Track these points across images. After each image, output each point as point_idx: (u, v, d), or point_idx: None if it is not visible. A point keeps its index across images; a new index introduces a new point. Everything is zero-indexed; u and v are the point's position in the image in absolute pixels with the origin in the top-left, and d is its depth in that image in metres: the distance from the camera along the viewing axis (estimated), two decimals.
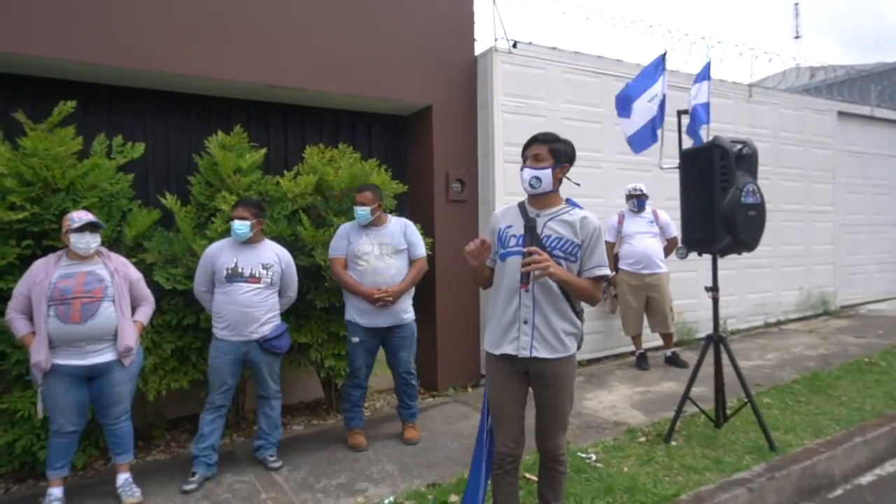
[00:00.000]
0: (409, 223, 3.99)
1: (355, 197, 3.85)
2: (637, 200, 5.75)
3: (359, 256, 3.78)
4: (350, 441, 3.91)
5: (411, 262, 3.92)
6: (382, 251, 3.79)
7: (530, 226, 2.38)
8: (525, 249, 2.31)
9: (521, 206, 2.54)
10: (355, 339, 3.82)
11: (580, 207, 2.51)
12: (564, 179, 2.54)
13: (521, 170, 2.50)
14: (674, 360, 5.86)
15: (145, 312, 3.33)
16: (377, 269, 3.75)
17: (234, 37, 4.36)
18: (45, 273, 3.02)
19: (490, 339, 2.52)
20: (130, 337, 3.14)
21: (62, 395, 3.02)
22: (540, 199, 2.48)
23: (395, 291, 3.73)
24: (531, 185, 2.45)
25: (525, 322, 2.40)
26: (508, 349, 2.43)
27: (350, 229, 3.87)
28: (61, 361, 2.99)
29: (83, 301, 3.00)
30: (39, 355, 2.94)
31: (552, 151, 2.45)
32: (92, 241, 3.08)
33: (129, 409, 3.25)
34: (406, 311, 3.89)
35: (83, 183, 3.56)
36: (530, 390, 2.53)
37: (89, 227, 3.06)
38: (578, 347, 2.50)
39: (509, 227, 2.49)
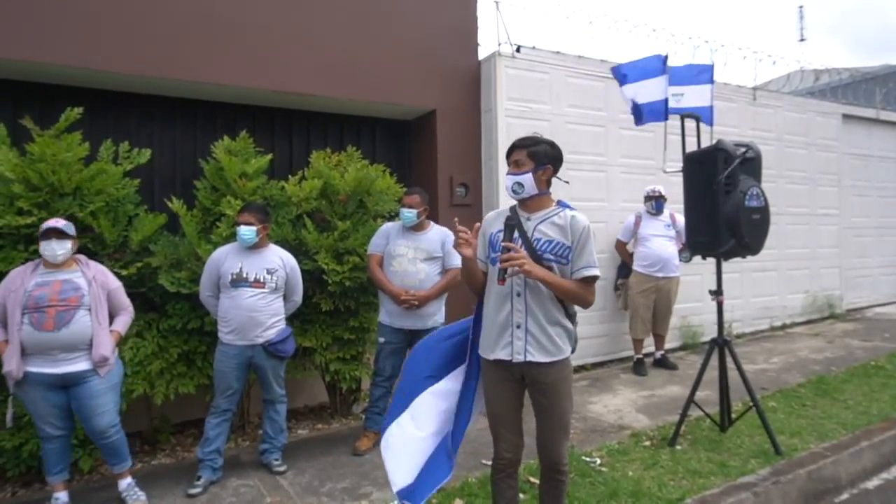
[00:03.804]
0: (451, 234, 4.01)
1: (403, 199, 3.95)
2: (655, 202, 5.75)
3: (393, 257, 3.88)
4: (355, 442, 3.93)
5: (445, 270, 3.95)
6: (416, 255, 3.86)
7: (510, 224, 2.38)
8: (502, 245, 2.31)
9: (514, 210, 2.52)
10: (381, 340, 3.94)
11: (571, 208, 2.49)
12: (554, 180, 2.51)
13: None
14: (663, 363, 5.89)
15: (123, 321, 3.26)
16: (406, 272, 3.82)
17: (239, 42, 4.39)
18: (21, 281, 2.99)
19: (483, 343, 2.50)
20: (106, 346, 3.06)
21: (39, 401, 3.00)
22: (528, 202, 2.46)
23: (421, 296, 3.78)
24: (514, 192, 2.45)
25: (518, 326, 2.37)
26: (502, 354, 2.40)
27: (391, 229, 3.97)
28: (33, 369, 2.95)
29: (58, 309, 2.95)
30: (10, 364, 2.91)
31: (532, 155, 2.43)
32: (58, 248, 2.99)
33: (116, 423, 3.16)
34: (433, 315, 3.92)
35: (89, 188, 3.58)
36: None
37: (54, 234, 2.99)
38: (573, 350, 2.46)
39: (500, 231, 2.45)
